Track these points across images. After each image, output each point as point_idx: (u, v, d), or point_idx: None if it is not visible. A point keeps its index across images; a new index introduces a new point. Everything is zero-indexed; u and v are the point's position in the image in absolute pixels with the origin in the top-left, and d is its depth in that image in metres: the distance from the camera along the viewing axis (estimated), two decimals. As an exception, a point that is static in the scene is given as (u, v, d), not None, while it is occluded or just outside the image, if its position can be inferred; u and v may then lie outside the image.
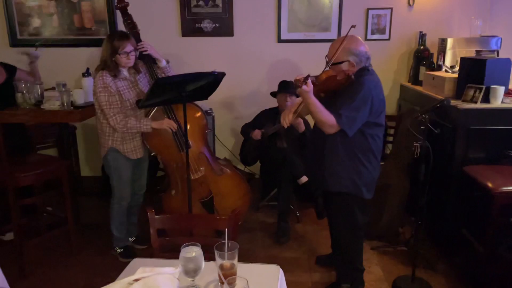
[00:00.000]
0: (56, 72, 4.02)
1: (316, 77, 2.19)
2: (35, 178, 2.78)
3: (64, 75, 3.86)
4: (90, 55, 3.99)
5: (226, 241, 1.41)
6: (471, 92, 2.84)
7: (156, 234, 1.81)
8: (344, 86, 2.20)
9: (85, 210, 3.70)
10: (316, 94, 2.17)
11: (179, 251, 1.38)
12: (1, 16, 4.02)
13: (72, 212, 3.07)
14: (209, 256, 1.42)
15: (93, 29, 4.02)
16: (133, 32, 2.81)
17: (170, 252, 1.67)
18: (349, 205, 2.39)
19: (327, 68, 2.23)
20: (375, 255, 3.02)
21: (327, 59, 2.27)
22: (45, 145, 4.01)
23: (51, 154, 3.73)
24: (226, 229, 1.45)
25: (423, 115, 2.39)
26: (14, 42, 4.09)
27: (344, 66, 2.23)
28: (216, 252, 1.37)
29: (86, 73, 3.24)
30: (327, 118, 2.14)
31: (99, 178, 4.16)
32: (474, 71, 2.87)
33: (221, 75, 2.57)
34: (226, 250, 1.38)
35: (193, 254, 1.36)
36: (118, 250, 2.98)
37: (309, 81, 2.06)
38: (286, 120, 2.29)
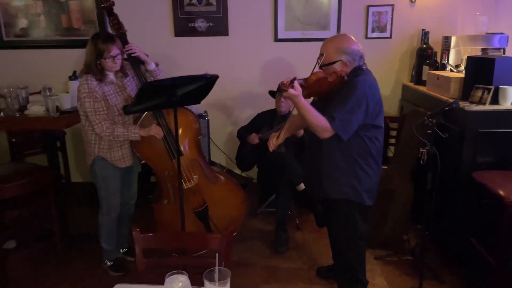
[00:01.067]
0: (44, 74, 3.88)
1: (305, 79, 2.05)
2: (19, 188, 2.62)
3: (52, 78, 3.73)
4: (79, 57, 3.81)
5: (216, 267, 1.25)
6: (479, 93, 2.69)
7: (142, 254, 1.65)
8: (337, 87, 2.08)
9: (75, 219, 3.52)
10: (308, 97, 2.04)
11: (168, 271, 1.22)
12: (-14, 17, 3.85)
13: (60, 223, 2.92)
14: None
15: (81, 30, 3.87)
16: (119, 33, 2.65)
17: (159, 275, 1.52)
18: (349, 213, 2.25)
19: (317, 69, 2.10)
20: (379, 265, 2.87)
21: (319, 60, 2.14)
22: (33, 151, 3.86)
23: (41, 161, 3.57)
24: (217, 254, 1.29)
25: (431, 119, 2.23)
26: (0, 44, 3.92)
27: (337, 66, 2.11)
28: (205, 281, 1.22)
29: (73, 76, 3.09)
30: (320, 122, 2.01)
31: (90, 184, 3.99)
32: (482, 71, 2.72)
33: (214, 77, 2.41)
34: (216, 279, 1.23)
35: (179, 285, 1.20)
36: (108, 263, 2.82)
37: (296, 84, 1.91)
38: (271, 145, 2.24)
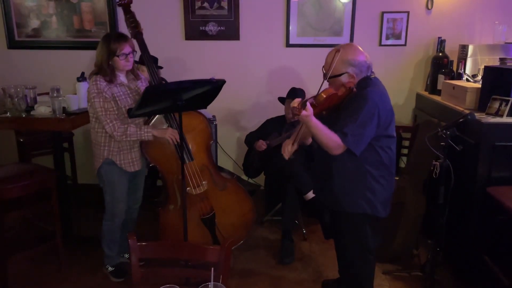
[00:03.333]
0: (54, 75, 3.88)
1: (315, 97, 1.98)
2: (22, 190, 2.60)
3: (62, 78, 3.71)
4: (89, 58, 3.79)
5: (211, 283, 1.19)
6: (496, 105, 2.58)
7: (138, 264, 1.59)
8: (347, 99, 2.02)
9: (80, 221, 3.49)
10: (318, 114, 1.97)
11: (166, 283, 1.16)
12: (-1, 17, 3.87)
13: (63, 225, 2.89)
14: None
15: (92, 31, 3.85)
16: (135, 32, 2.61)
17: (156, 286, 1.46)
18: (360, 225, 2.17)
19: (325, 84, 2.02)
20: (387, 280, 2.77)
21: (324, 71, 2.07)
22: (41, 151, 3.85)
23: (48, 162, 3.55)
24: (212, 269, 1.23)
25: (444, 131, 2.14)
26: (12, 44, 3.93)
27: (344, 78, 2.04)
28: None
29: (81, 78, 3.06)
30: (332, 139, 1.95)
31: (97, 187, 3.96)
32: (499, 82, 2.61)
33: (221, 82, 2.36)
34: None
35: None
36: (110, 268, 2.77)
37: (308, 105, 1.86)
38: (286, 152, 2.13)
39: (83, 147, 4.15)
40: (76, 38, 3.90)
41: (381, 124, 2.00)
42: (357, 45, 2.08)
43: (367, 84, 2.03)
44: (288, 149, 2.13)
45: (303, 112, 1.85)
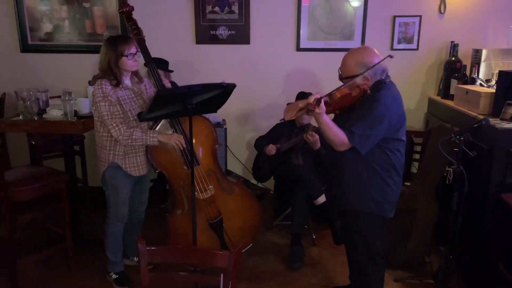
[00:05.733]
0: (66, 79, 3.91)
1: (330, 96, 2.03)
2: (32, 192, 2.61)
3: (73, 82, 3.75)
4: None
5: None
6: (511, 110, 2.53)
7: (147, 268, 1.58)
8: (360, 101, 2.06)
9: (90, 224, 3.50)
10: (331, 113, 2.04)
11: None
12: (12, 21, 3.91)
13: (72, 228, 2.90)
14: None
15: (104, 35, 3.88)
16: (138, 39, 2.62)
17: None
18: (369, 226, 2.20)
19: (342, 86, 2.06)
20: (399, 287, 2.73)
21: (340, 72, 2.12)
22: (52, 154, 3.88)
23: (59, 164, 3.57)
24: (222, 275, 1.21)
25: (458, 136, 2.10)
26: (25, 48, 3.98)
27: (358, 80, 2.06)
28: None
29: (92, 81, 3.07)
30: (339, 137, 2.01)
31: (106, 190, 3.99)
32: (514, 86, 2.57)
33: (231, 86, 2.35)
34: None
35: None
36: (113, 276, 2.73)
37: (322, 103, 1.92)
38: (288, 115, 2.03)
39: (94, 150, 4.15)
40: (88, 42, 3.94)
41: (391, 128, 2.03)
42: (374, 48, 2.10)
43: (381, 87, 2.06)
44: (292, 113, 2.02)
45: (317, 110, 1.91)
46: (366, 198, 2.14)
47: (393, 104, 2.02)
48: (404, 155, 2.17)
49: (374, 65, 2.02)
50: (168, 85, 2.73)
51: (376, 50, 2.09)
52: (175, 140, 2.51)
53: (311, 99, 1.92)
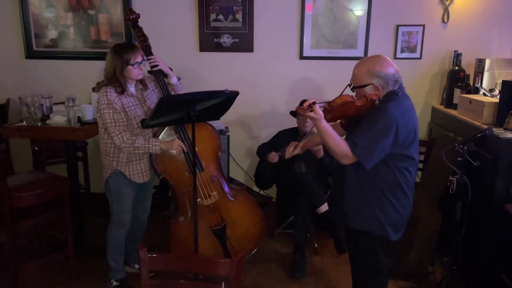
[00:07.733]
0: (70, 85, 3.93)
1: (329, 102, 1.96)
2: (35, 198, 2.62)
3: (78, 88, 3.77)
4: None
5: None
6: (515, 120, 2.53)
7: (148, 276, 1.57)
8: (367, 111, 1.97)
9: (92, 230, 3.50)
10: (333, 121, 1.97)
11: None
12: (18, 27, 3.94)
13: (74, 235, 2.89)
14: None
15: (109, 42, 3.91)
16: (144, 46, 2.64)
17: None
18: (371, 246, 2.08)
19: (347, 91, 2.01)
20: (401, 298, 2.71)
21: (351, 82, 2.04)
22: (55, 160, 3.88)
23: (62, 170, 3.58)
24: (223, 284, 1.21)
25: (462, 146, 2.09)
26: (30, 54, 4.00)
27: (368, 90, 1.98)
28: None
29: (96, 88, 3.08)
30: (341, 147, 1.92)
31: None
32: (518, 96, 2.56)
33: (234, 94, 2.36)
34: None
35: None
36: (114, 283, 2.72)
37: (317, 108, 1.85)
38: (288, 151, 2.24)
39: (97, 157, 4.16)
40: (92, 48, 3.96)
41: (399, 142, 1.91)
42: (387, 57, 2.01)
43: (391, 98, 1.96)
44: (290, 149, 2.22)
45: (310, 114, 1.86)
46: (367, 215, 2.03)
47: (402, 116, 1.90)
48: (414, 176, 2.04)
49: (384, 75, 1.94)
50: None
51: (389, 59, 2.00)
52: (176, 146, 2.51)
53: (306, 103, 1.86)
